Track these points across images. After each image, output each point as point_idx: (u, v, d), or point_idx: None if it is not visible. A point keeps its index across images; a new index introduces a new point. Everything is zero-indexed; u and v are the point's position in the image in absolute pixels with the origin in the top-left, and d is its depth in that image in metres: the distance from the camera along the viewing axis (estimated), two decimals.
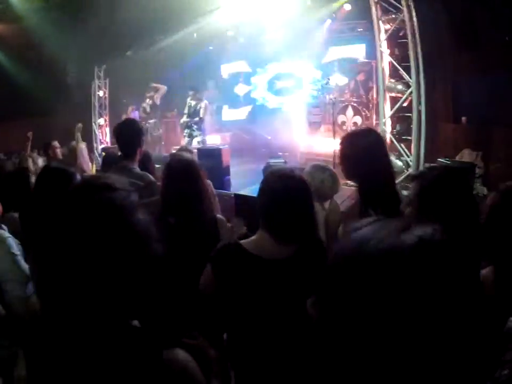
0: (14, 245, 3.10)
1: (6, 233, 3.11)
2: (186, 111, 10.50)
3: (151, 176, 3.55)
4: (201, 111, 10.26)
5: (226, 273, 1.96)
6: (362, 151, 2.32)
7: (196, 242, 2.57)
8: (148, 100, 12.77)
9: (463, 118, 7.31)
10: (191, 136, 10.37)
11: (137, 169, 3.48)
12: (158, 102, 12.86)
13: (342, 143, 2.49)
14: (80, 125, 7.31)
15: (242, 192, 5.36)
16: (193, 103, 10.38)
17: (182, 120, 10.61)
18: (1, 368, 2.67)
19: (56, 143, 7.07)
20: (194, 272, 2.49)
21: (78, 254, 1.01)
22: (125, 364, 1.00)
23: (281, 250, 1.94)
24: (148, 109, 12.87)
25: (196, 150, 7.89)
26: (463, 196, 1.82)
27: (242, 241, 2.00)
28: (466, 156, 6.91)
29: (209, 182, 4.28)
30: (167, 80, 13.17)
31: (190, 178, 2.68)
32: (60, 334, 1.06)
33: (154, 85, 12.70)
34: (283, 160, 8.57)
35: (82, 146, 5.82)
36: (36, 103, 11.43)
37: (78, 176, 2.71)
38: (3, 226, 3.17)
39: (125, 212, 1.09)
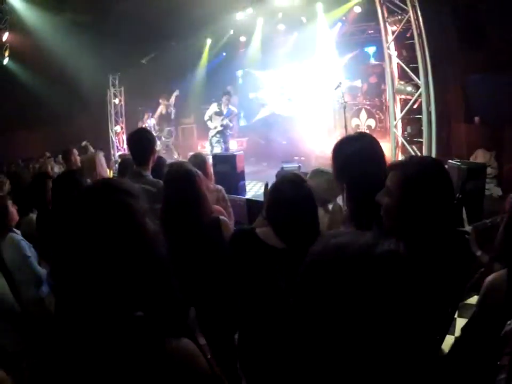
0: (27, 248, 3.21)
1: (19, 237, 3.24)
2: (216, 117, 10.38)
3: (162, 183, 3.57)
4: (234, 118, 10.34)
5: (239, 251, 2.30)
6: (349, 157, 2.27)
7: (194, 244, 2.78)
8: (161, 107, 12.87)
9: (476, 118, 7.20)
10: (219, 143, 10.37)
11: (150, 176, 3.63)
12: (172, 109, 12.97)
13: (333, 149, 2.45)
14: (84, 143, 7.37)
15: (254, 198, 5.34)
16: (225, 109, 10.35)
17: (213, 126, 10.45)
18: (13, 361, 2.77)
19: (75, 151, 7.19)
20: (195, 273, 2.74)
21: (89, 250, 1.09)
22: (127, 352, 1.06)
23: (279, 241, 2.20)
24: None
25: (209, 156, 8.01)
26: (445, 190, 1.71)
27: (256, 229, 2.29)
28: (480, 156, 6.82)
29: (220, 187, 4.50)
30: (182, 87, 13.27)
31: (187, 185, 2.84)
32: (72, 329, 1.12)
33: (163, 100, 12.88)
34: (297, 165, 8.55)
35: (100, 155, 5.87)
36: (52, 111, 11.59)
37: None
38: (16, 230, 3.27)
39: (137, 215, 1.16)
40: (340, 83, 7.63)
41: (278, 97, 13.06)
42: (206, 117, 10.70)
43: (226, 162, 7.77)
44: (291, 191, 2.19)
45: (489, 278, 1.72)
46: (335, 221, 3.07)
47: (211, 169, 4.66)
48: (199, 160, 4.47)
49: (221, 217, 3.00)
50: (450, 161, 5.42)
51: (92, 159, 5.82)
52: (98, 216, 1.11)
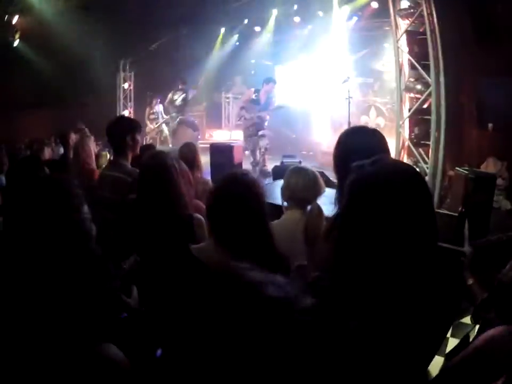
0: None
1: None
2: (252, 106, 9.18)
3: None
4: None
5: (174, 276, 1.94)
6: (353, 148, 1.96)
7: (159, 241, 2.50)
8: (180, 93, 12.35)
9: (490, 125, 6.58)
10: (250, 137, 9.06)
11: (128, 165, 3.45)
12: (189, 97, 12.45)
13: (338, 137, 2.14)
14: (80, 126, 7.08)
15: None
16: (263, 99, 9.14)
17: (249, 116, 9.13)
18: None
19: (72, 134, 6.90)
20: (163, 270, 2.39)
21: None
22: (57, 358, 1.03)
23: (227, 260, 1.67)
24: (179, 101, 12.46)
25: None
26: (406, 205, 1.22)
27: (194, 247, 1.93)
28: (491, 165, 6.23)
29: (207, 179, 4.42)
30: (193, 75, 12.85)
31: (157, 178, 2.65)
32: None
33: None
34: (297, 160, 8.10)
35: (88, 141, 5.56)
36: (61, 94, 11.34)
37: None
38: None
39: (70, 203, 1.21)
40: (348, 77, 7.14)
41: (289, 90, 12.54)
42: (241, 103, 9.98)
43: (222, 153, 7.42)
44: (234, 192, 1.84)
45: (489, 335, 1.38)
46: (312, 225, 2.66)
47: (200, 160, 4.39)
48: (187, 150, 4.34)
49: (196, 215, 2.71)
50: (457, 168, 4.90)
51: (76, 146, 5.60)
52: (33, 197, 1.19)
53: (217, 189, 1.94)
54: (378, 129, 7.74)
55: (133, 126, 3.60)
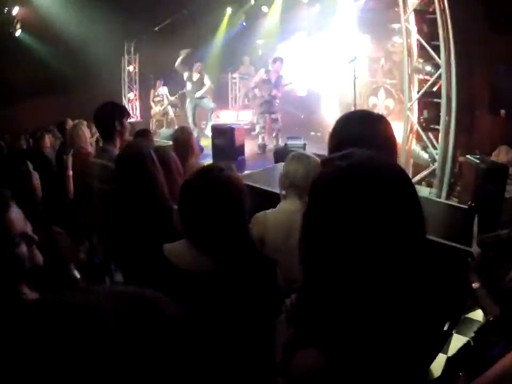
0: None
1: None
2: (263, 86, 9.14)
3: None
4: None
5: (145, 277, 1.73)
6: (352, 137, 1.61)
7: (143, 232, 2.42)
8: (196, 73, 11.65)
9: (502, 111, 6.15)
10: (263, 115, 9.06)
11: (115, 152, 3.23)
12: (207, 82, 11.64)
13: (335, 122, 1.76)
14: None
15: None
16: (274, 77, 9.17)
17: (260, 95, 9.22)
18: None
19: (70, 121, 6.73)
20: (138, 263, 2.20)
21: None
22: None
23: (202, 262, 1.58)
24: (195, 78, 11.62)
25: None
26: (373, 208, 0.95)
27: (167, 246, 1.69)
28: (503, 153, 5.82)
29: (200, 162, 4.16)
30: (198, 56, 12.45)
31: (134, 171, 2.57)
32: None
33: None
34: (302, 143, 7.79)
35: (82, 126, 5.38)
36: (65, 79, 11.12)
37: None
38: None
39: None
40: (355, 57, 6.75)
41: (297, 70, 12.11)
42: (252, 84, 9.87)
43: (224, 135, 7.15)
44: (208, 188, 1.59)
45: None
46: None
47: (195, 145, 4.22)
48: (180, 134, 4.19)
49: (176, 206, 2.45)
50: (469, 156, 4.56)
51: (71, 132, 5.45)
52: None
53: (186, 187, 1.65)
54: (388, 111, 7.40)
55: (121, 111, 3.47)
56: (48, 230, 1.99)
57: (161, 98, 12.55)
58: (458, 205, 3.45)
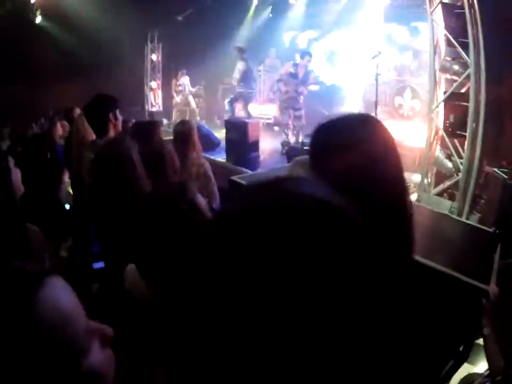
0: None
1: None
2: (290, 80, 8.54)
3: None
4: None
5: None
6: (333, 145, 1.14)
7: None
8: (242, 62, 10.98)
9: None
10: (286, 110, 8.57)
11: None
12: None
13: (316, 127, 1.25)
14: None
15: (236, 178, 4.25)
16: (301, 73, 8.63)
17: (284, 90, 8.57)
18: None
19: (77, 109, 6.50)
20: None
21: None
22: None
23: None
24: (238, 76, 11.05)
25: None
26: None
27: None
28: None
29: (203, 161, 3.86)
30: (223, 46, 12.04)
31: (113, 171, 2.41)
32: None
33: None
34: None
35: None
36: (87, 66, 10.97)
37: None
38: None
39: None
40: (379, 52, 6.22)
41: (322, 64, 11.55)
42: (277, 77, 9.36)
43: (237, 130, 6.74)
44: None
45: None
46: None
47: (196, 140, 3.92)
48: (181, 128, 3.96)
49: None
50: (495, 170, 4.00)
51: (76, 122, 5.25)
52: None
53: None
54: (414, 113, 6.71)
55: (114, 103, 3.32)
56: (23, 227, 1.95)
57: (182, 88, 12.24)
58: (480, 226, 2.96)
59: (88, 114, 3.30)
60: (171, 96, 12.69)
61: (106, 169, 2.42)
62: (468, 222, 3.21)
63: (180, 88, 12.22)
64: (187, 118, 12.26)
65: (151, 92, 12.76)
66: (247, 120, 6.95)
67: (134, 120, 7.08)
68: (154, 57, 12.55)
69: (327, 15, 10.71)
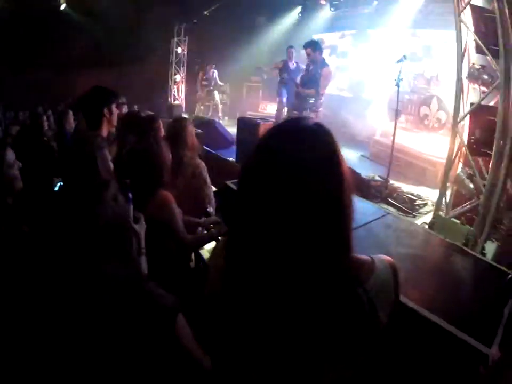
0: None
1: None
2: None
3: None
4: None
5: None
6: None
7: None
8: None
9: None
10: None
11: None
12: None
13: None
14: None
15: (230, 184, 3.88)
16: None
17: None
18: None
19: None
20: None
21: None
22: None
23: None
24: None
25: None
26: None
27: None
28: None
29: (199, 161, 3.64)
30: (250, 43, 11.64)
31: (82, 169, 2.51)
32: None
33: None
34: None
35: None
36: (110, 57, 10.90)
37: None
38: None
39: None
40: (404, 56, 5.67)
41: (350, 68, 10.98)
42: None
43: (248, 129, 6.29)
44: None
45: None
46: None
47: (189, 139, 3.68)
48: (172, 127, 3.75)
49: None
50: None
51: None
52: None
53: None
54: (439, 125, 6.02)
55: (110, 97, 3.17)
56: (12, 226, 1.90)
57: (208, 83, 11.90)
58: (494, 265, 2.43)
59: (82, 106, 3.15)
60: (195, 91, 12.39)
61: (76, 166, 2.46)
62: (482, 258, 2.69)
63: (206, 82, 11.89)
64: (210, 114, 11.94)
65: (175, 85, 12.49)
66: (259, 121, 6.47)
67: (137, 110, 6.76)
68: (179, 50, 12.27)
69: (357, 18, 10.17)
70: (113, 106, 3.12)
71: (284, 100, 8.92)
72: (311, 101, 7.28)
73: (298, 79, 7.72)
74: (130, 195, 2.23)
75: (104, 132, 3.09)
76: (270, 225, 0.88)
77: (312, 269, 0.87)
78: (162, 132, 4.10)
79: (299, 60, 9.07)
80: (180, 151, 3.60)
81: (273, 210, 0.88)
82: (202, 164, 3.71)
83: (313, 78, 7.10)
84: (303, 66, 7.93)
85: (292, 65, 8.76)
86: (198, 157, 3.83)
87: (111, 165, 3.00)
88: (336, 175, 0.90)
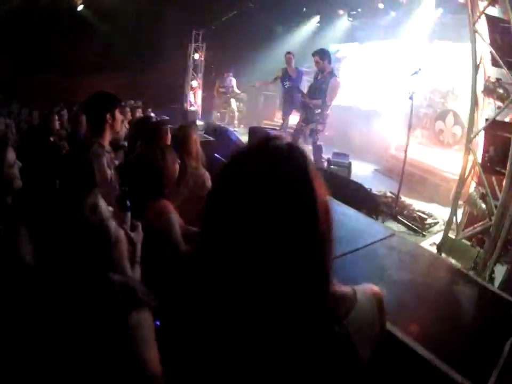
0: None
1: None
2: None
3: None
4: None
5: None
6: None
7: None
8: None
9: None
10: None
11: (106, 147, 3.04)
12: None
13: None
14: None
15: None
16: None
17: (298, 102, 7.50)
18: None
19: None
20: None
21: None
22: None
23: None
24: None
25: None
26: None
27: None
28: None
29: (203, 171, 3.60)
30: (267, 50, 11.57)
31: (79, 178, 2.43)
32: None
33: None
34: (348, 161, 6.68)
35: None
36: (127, 60, 10.92)
37: None
38: None
39: None
40: (419, 69, 5.53)
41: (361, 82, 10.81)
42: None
43: (257, 139, 6.13)
44: None
45: None
46: None
47: (193, 148, 3.65)
48: (176, 133, 3.74)
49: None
50: None
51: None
52: None
53: None
54: (454, 140, 5.80)
55: (113, 103, 3.11)
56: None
57: (226, 90, 11.84)
58: (501, 294, 2.28)
59: (86, 111, 3.16)
60: (212, 97, 12.37)
61: (72, 174, 2.41)
62: (488, 286, 2.53)
63: (223, 90, 11.84)
64: (226, 121, 11.89)
65: (191, 91, 12.46)
66: (270, 131, 6.37)
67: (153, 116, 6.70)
68: (197, 56, 12.25)
69: (374, 29, 10.05)
70: (117, 112, 3.06)
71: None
72: (317, 112, 6.86)
73: (305, 88, 7.53)
74: (128, 203, 2.16)
75: (107, 137, 3.03)
76: (235, 252, 0.81)
77: (281, 304, 0.79)
78: (169, 139, 4.02)
79: (312, 69, 8.89)
80: (184, 159, 3.53)
81: (237, 236, 0.81)
82: (207, 174, 3.63)
83: (320, 88, 6.78)
84: (305, 69, 7.83)
85: (293, 72, 8.44)
86: (201, 166, 3.75)
87: (110, 171, 2.95)
88: (306, 199, 0.82)
